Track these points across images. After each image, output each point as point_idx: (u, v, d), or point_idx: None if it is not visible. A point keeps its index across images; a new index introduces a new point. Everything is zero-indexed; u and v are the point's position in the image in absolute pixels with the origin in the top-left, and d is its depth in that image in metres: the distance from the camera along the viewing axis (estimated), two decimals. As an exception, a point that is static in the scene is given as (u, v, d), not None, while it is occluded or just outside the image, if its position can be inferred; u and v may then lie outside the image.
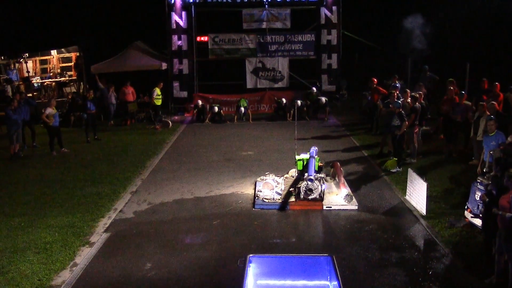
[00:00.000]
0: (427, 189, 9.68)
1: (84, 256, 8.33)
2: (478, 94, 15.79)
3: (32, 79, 23.55)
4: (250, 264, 6.01)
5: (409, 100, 13.91)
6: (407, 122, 12.81)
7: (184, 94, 22.97)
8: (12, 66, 23.19)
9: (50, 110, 15.43)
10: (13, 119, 14.86)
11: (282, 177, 11.83)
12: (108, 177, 12.83)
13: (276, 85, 23.05)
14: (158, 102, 20.15)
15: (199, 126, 19.87)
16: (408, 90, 15.46)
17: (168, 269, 7.79)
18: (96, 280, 7.50)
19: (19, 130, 15.23)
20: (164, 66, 22.72)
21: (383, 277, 7.46)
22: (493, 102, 12.38)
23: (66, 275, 7.66)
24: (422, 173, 10.46)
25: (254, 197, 10.81)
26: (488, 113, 11.69)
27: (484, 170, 9.38)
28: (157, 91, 19.99)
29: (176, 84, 22.92)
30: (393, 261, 7.99)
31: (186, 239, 9.07)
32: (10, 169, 13.94)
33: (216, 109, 20.11)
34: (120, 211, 10.47)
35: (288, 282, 6.07)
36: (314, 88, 21.04)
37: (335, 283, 5.57)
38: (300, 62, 23.28)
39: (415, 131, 13.44)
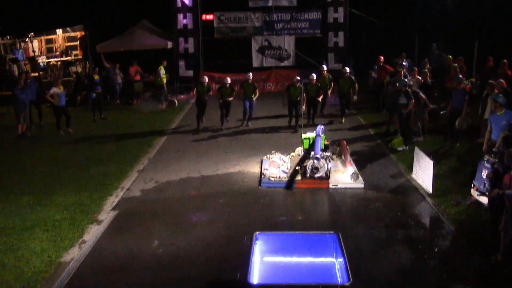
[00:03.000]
0: (433, 167, 9.66)
1: (92, 233, 8.42)
2: (483, 72, 15.67)
3: (38, 58, 23.53)
4: (257, 241, 6.07)
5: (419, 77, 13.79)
6: (413, 101, 12.73)
7: (190, 73, 22.89)
8: (18, 45, 23.15)
9: (54, 90, 15.44)
10: (20, 98, 14.91)
11: (288, 156, 11.84)
12: (115, 156, 12.90)
13: (282, 64, 22.91)
14: (163, 81, 20.14)
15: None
16: (416, 69, 15.36)
17: (175, 247, 7.87)
18: (104, 257, 7.60)
19: (26, 110, 15.29)
20: (170, 45, 22.62)
21: (388, 254, 7.51)
22: (501, 80, 12.27)
23: (75, 252, 7.76)
24: (428, 151, 10.44)
25: (261, 176, 10.84)
26: (496, 91, 11.59)
27: (494, 150, 9.29)
28: (163, 70, 19.96)
29: (181, 63, 22.83)
30: (399, 239, 8.03)
31: (193, 217, 9.14)
32: (18, 149, 14.02)
33: (229, 80, 16.59)
34: (128, 189, 10.55)
35: (294, 259, 6.13)
36: (313, 75, 16.08)
37: (341, 260, 5.62)
38: (306, 40, 23.08)
39: (422, 110, 13.36)
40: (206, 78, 16.11)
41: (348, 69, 16.34)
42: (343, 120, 16.04)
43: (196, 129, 15.45)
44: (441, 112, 14.26)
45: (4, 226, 8.69)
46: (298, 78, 15.48)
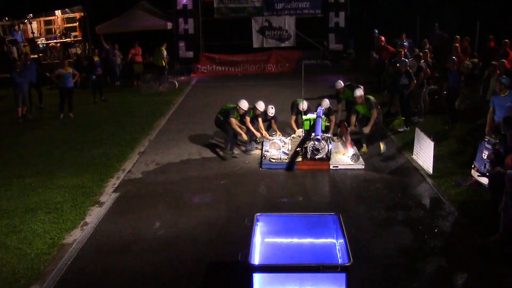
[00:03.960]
0: (434, 148, 9.67)
1: (94, 215, 8.47)
2: (484, 52, 15.54)
3: (37, 40, 23.40)
4: (258, 223, 6.09)
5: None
6: (415, 81, 12.67)
7: (190, 54, 22.77)
8: (17, 27, 23.00)
9: (59, 71, 15.37)
10: (17, 82, 14.76)
11: (289, 137, 11.85)
12: (116, 138, 12.90)
13: (283, 45, 22.78)
14: (164, 63, 20.06)
15: (206, 87, 19.78)
16: (417, 49, 15.25)
17: (177, 228, 7.92)
18: (106, 239, 7.65)
19: (25, 93, 15.18)
20: (170, 26, 22.47)
21: (389, 235, 7.55)
22: (503, 60, 12.17)
23: (77, 234, 7.81)
24: (429, 133, 10.43)
25: (261, 157, 10.86)
26: (498, 72, 11.51)
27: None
28: (165, 51, 19.91)
29: (181, 44, 22.70)
30: (399, 220, 8.07)
31: (194, 198, 9.18)
32: (18, 131, 14.02)
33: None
34: (129, 171, 10.57)
35: (295, 240, 6.17)
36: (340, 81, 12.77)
37: (342, 241, 5.64)
38: (307, 20, 22.91)
39: (423, 90, 13.31)
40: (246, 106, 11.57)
41: (360, 92, 11.24)
42: (364, 149, 11.38)
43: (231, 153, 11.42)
44: (435, 97, 14.14)
45: (6, 208, 8.74)
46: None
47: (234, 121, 11.21)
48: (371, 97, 11.43)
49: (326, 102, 11.93)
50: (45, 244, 7.46)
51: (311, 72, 19.24)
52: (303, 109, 11.92)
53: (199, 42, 22.83)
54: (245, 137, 11.49)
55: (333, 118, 12.01)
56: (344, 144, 11.25)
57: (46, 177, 10.25)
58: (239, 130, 11.31)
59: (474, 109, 12.61)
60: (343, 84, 12.44)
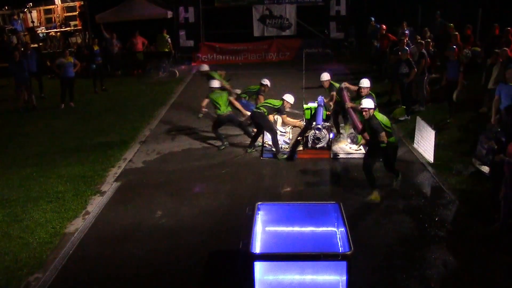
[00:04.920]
0: (435, 137, 9.66)
1: (95, 204, 8.50)
2: (488, 40, 15.43)
3: (37, 29, 23.30)
4: (259, 212, 6.12)
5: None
6: (416, 70, 12.62)
7: (191, 43, 22.70)
8: (16, 16, 22.89)
9: (60, 60, 15.33)
10: (14, 72, 14.71)
11: (289, 127, 11.83)
12: (117, 127, 12.90)
13: (283, 33, 22.69)
14: (168, 48, 20.40)
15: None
16: (418, 37, 15.16)
17: (178, 217, 7.95)
18: (108, 228, 7.69)
19: (25, 82, 15.06)
20: (170, 14, 22.35)
21: (389, 224, 7.57)
22: (505, 48, 12.11)
23: (79, 223, 7.84)
24: (430, 121, 10.41)
25: (262, 146, 10.85)
26: (500, 60, 11.45)
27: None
28: (168, 37, 20.08)
29: (182, 33, 22.62)
30: (400, 208, 8.09)
31: (195, 188, 9.19)
32: (19, 121, 14.03)
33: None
34: (130, 160, 10.59)
35: (296, 229, 6.20)
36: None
37: (342, 229, 5.67)
38: (308, 9, 22.78)
39: (424, 78, 13.26)
40: None
41: (369, 103, 8.42)
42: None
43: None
44: (436, 87, 14.06)
45: (8, 198, 8.78)
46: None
47: (287, 118, 11.04)
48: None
49: (326, 75, 11.50)
50: (47, 233, 7.49)
51: (312, 60, 19.14)
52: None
53: (199, 31, 22.73)
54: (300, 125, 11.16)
55: (333, 94, 11.27)
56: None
57: (48, 166, 10.28)
58: (299, 123, 11.20)
59: (475, 98, 12.54)
60: (329, 77, 11.58)
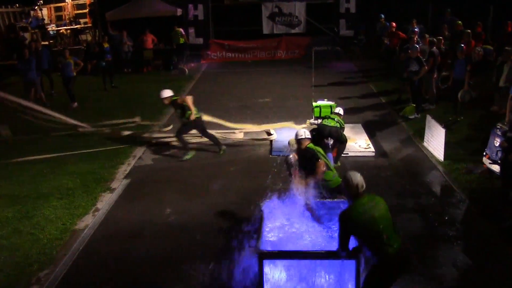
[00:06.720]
0: (445, 135, 9.60)
1: (105, 201, 8.54)
2: (500, 37, 15.31)
3: (48, 27, 23.43)
4: (268, 209, 6.12)
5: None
6: (426, 67, 12.55)
7: (200, 40, 22.73)
8: (33, 12, 23.04)
9: (59, 59, 15.42)
10: (21, 70, 14.74)
11: (300, 126, 11.78)
12: (127, 124, 12.91)
13: (293, 31, 22.69)
14: (182, 40, 20.77)
15: (216, 73, 19.75)
16: (427, 35, 15.06)
17: (187, 214, 7.97)
18: (117, 224, 7.72)
19: (33, 82, 14.91)
20: (179, 12, 22.38)
21: (399, 222, 7.49)
22: (516, 45, 12.00)
23: (89, 220, 7.88)
24: (440, 119, 10.35)
25: (271, 144, 10.83)
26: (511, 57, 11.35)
27: None
28: (181, 30, 20.57)
29: (191, 31, 22.65)
30: (410, 207, 8.05)
31: (204, 185, 9.20)
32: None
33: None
34: (139, 158, 10.62)
35: (305, 227, 6.19)
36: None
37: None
38: (317, 6, 22.73)
39: (434, 76, 13.18)
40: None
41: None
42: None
43: None
44: (445, 86, 13.92)
45: (19, 194, 8.83)
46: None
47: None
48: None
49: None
50: (57, 230, 7.54)
51: (322, 58, 19.11)
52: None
53: (208, 28, 22.76)
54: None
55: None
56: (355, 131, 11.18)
57: (57, 163, 10.33)
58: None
59: (486, 96, 12.44)
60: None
